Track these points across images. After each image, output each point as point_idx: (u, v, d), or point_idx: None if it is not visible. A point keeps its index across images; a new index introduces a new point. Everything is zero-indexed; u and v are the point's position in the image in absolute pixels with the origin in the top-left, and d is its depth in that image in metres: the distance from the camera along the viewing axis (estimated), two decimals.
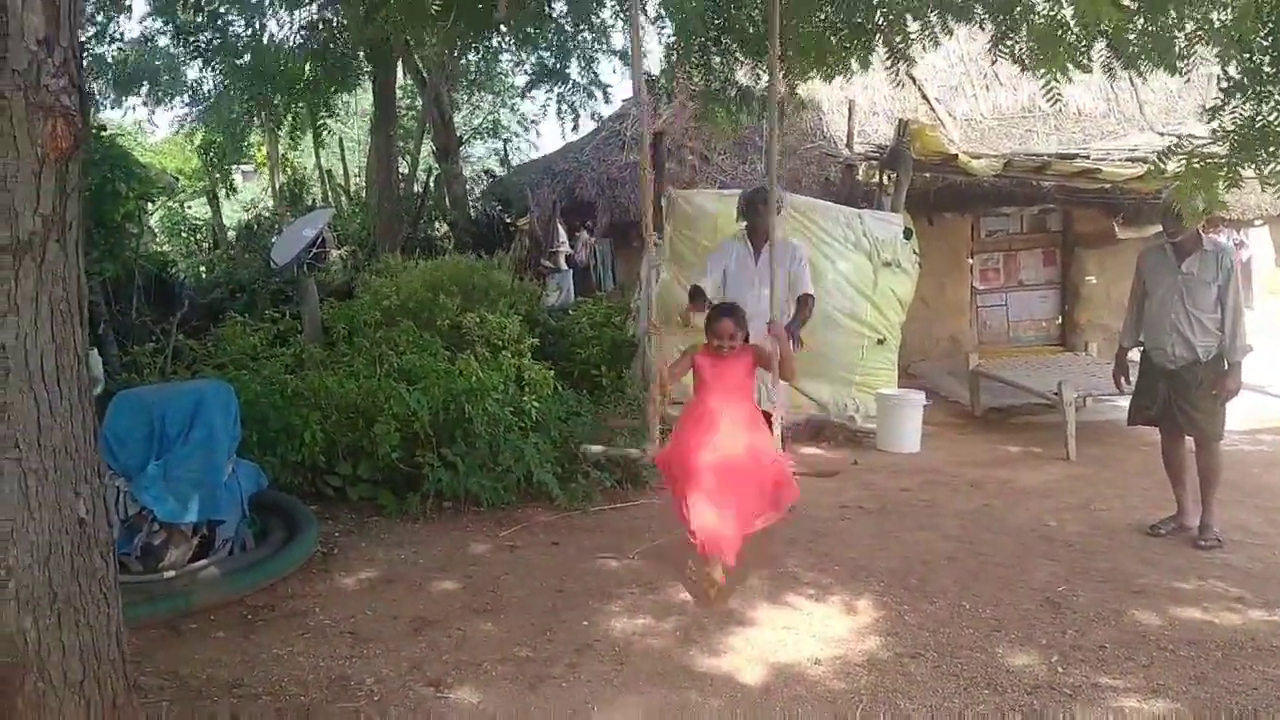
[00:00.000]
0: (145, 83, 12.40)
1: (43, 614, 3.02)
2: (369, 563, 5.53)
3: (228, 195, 18.39)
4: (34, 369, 2.95)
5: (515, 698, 3.90)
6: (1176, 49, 5.26)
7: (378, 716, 3.73)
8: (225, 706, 3.79)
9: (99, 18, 10.67)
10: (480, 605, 4.87)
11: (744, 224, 6.46)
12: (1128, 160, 9.67)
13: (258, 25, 10.56)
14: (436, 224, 16.38)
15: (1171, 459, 6.01)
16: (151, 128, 16.44)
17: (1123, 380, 6.27)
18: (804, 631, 4.50)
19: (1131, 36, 5.32)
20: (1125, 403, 7.49)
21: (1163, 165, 4.89)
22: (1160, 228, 6.16)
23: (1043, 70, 5.53)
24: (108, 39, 11.28)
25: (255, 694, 3.91)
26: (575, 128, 13.85)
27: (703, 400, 5.24)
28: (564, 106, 13.51)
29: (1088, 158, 10.15)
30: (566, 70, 12.05)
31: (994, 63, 6.46)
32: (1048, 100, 5.82)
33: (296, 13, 10.43)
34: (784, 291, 6.18)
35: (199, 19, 9.55)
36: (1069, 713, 3.71)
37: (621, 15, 7.88)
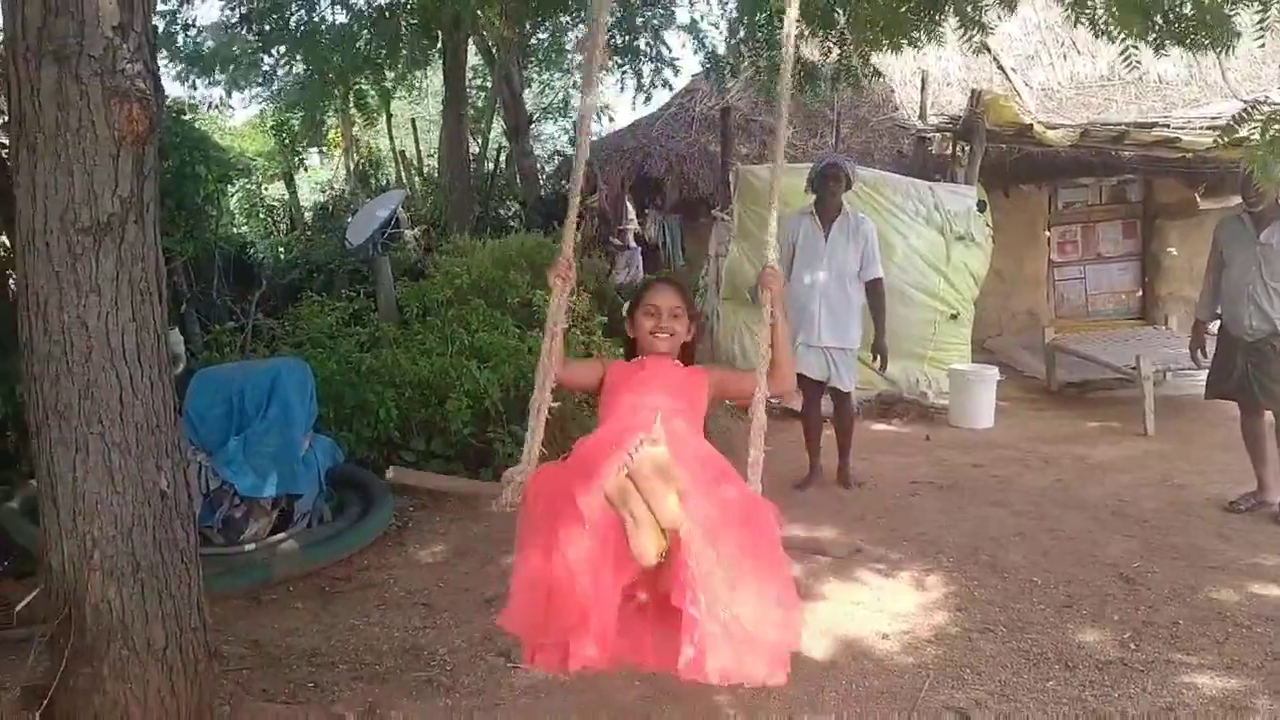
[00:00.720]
0: (221, 67, 12.63)
1: (126, 583, 3.12)
2: (442, 536, 5.64)
3: (302, 172, 18.69)
4: (115, 347, 3.04)
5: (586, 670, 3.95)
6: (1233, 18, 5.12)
7: (451, 685, 3.81)
8: (303, 674, 3.90)
9: (172, 2, 10.88)
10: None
11: (813, 198, 6.39)
12: (1209, 129, 9.41)
13: (325, 5, 10.70)
14: (507, 203, 16.49)
15: (1250, 433, 5.86)
16: (229, 111, 16.76)
17: (1199, 354, 6.12)
18: (871, 606, 4.49)
19: (1188, 9, 5.16)
20: (1205, 377, 7.34)
21: (1236, 130, 4.76)
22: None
23: (1119, 37, 5.41)
24: (181, 24, 11.50)
25: (332, 662, 4.02)
26: (648, 100, 13.81)
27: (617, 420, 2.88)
28: (632, 82, 13.48)
29: (1167, 126, 9.89)
30: (635, 45, 12.01)
31: (1075, 25, 6.29)
32: (1127, 67, 5.70)
33: None
34: (854, 267, 6.16)
35: (265, 4, 9.70)
36: (1141, 688, 3.67)
37: None
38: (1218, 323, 5.99)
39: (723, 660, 2.30)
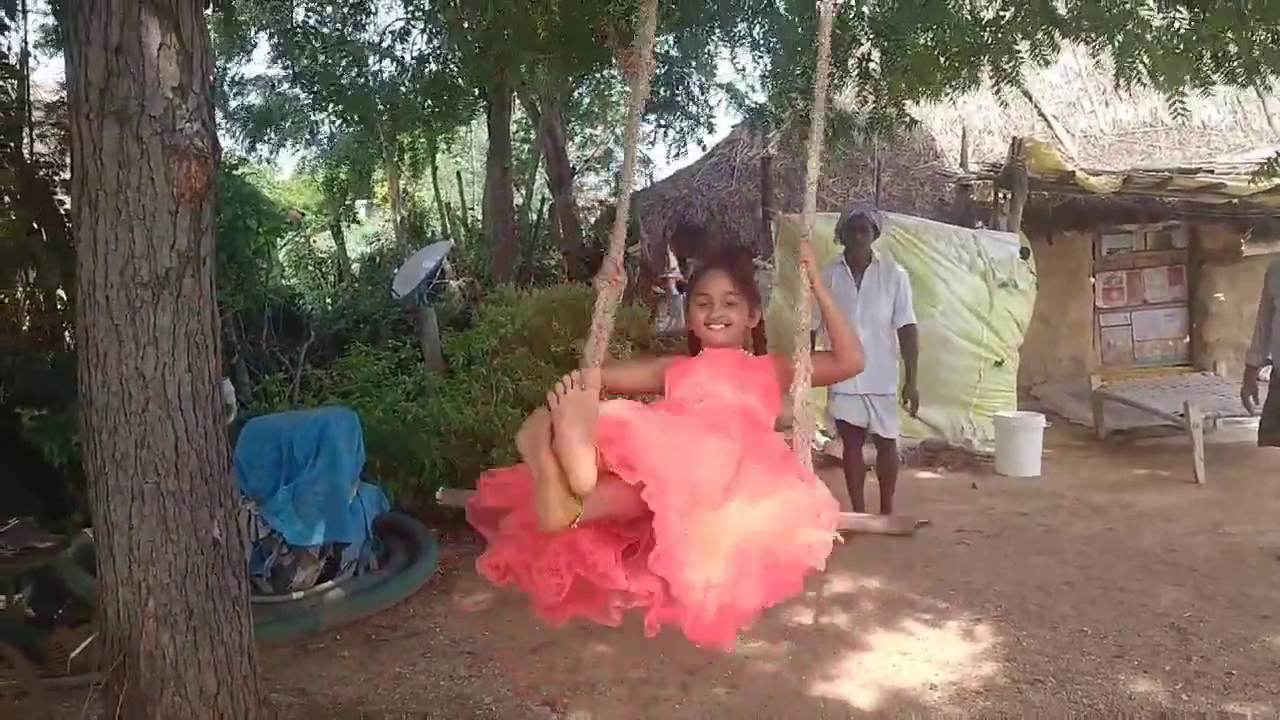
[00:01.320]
0: (272, 125, 12.94)
1: (180, 631, 3.18)
2: (487, 585, 5.63)
3: (349, 226, 18.97)
4: (171, 398, 3.12)
5: (629, 718, 3.95)
6: None
7: None
8: None
9: (226, 63, 11.17)
10: (594, 628, 4.89)
11: (842, 248, 6.44)
12: (1253, 174, 9.35)
13: (372, 64, 10.94)
14: (550, 253, 16.65)
15: None
16: (277, 167, 17.18)
17: (1251, 400, 6.01)
18: (919, 656, 4.45)
19: (1234, 49, 5.16)
20: (1257, 424, 7.23)
21: (1274, 171, 4.74)
22: None
23: (1163, 88, 5.41)
24: (231, 84, 11.82)
25: (379, 711, 4.04)
26: (681, 154, 14.03)
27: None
28: (672, 135, 13.65)
29: (1211, 172, 9.85)
30: (676, 99, 12.17)
31: (1117, 86, 6.29)
32: (1172, 114, 5.70)
33: (411, 50, 10.77)
34: (886, 314, 6.19)
35: (315, 64, 9.93)
36: None
37: (727, 45, 7.95)
38: (1269, 368, 5.90)
39: (684, 619, 2.23)
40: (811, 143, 2.91)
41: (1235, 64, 5.39)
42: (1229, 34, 4.80)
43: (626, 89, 15.25)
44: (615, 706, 4.06)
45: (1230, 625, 4.67)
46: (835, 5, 2.94)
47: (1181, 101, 5.46)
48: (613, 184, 20.39)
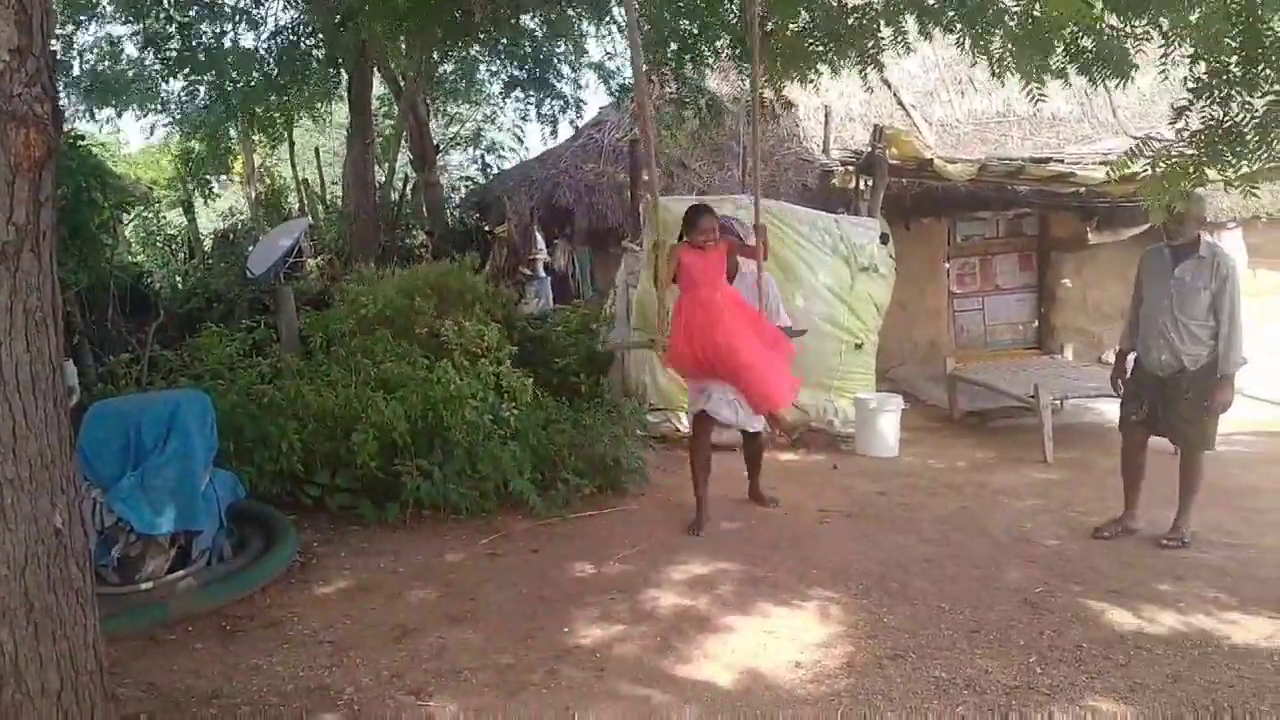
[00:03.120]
0: (116, 93, 12.33)
1: (19, 625, 2.99)
2: (348, 572, 5.51)
3: (206, 202, 18.30)
4: (9, 379, 2.92)
5: (495, 705, 3.90)
6: (1133, 54, 5.34)
7: None
8: (204, 717, 3.77)
9: (67, 27, 10.59)
10: (460, 613, 4.87)
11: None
12: (1101, 164, 9.75)
13: (227, 31, 10.52)
14: (414, 232, 16.35)
15: (1131, 461, 5.99)
16: (124, 140, 16.43)
17: (1119, 383, 6.17)
18: (783, 636, 4.51)
19: (1088, 43, 5.37)
20: (1103, 406, 7.52)
21: (1128, 164, 4.93)
22: (1133, 231, 6.17)
23: (1018, 75, 5.58)
24: (75, 50, 11.21)
25: (235, 704, 3.89)
26: (554, 133, 13.89)
27: (693, 294, 5.76)
28: (541, 114, 13.54)
29: (1062, 161, 10.23)
30: (546, 79, 12.05)
31: (974, 65, 6.48)
32: (1029, 101, 5.87)
33: (268, 18, 10.40)
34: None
35: (168, 28, 9.49)
36: (1047, 713, 3.74)
37: (594, 25, 7.89)
38: (1134, 354, 6.04)
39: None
40: (754, 124, 2.87)
41: (1085, 57, 5.61)
42: (1074, 25, 4.97)
43: (494, 68, 15.09)
44: (482, 693, 3.99)
45: (1080, 600, 4.87)
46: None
47: (1037, 89, 5.64)
48: (480, 163, 20.15)
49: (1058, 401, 8.36)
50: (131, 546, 5.03)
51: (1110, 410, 7.63)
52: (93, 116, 13.05)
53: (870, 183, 9.82)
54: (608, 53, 13.65)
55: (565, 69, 12.63)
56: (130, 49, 11.50)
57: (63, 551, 3.10)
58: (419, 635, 4.58)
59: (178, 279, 14.32)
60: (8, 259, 2.89)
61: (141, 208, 14.95)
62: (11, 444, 2.95)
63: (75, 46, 11.13)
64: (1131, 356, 6.05)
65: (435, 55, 13.03)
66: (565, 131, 14.08)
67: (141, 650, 4.43)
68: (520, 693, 3.99)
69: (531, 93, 13.54)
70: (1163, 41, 4.97)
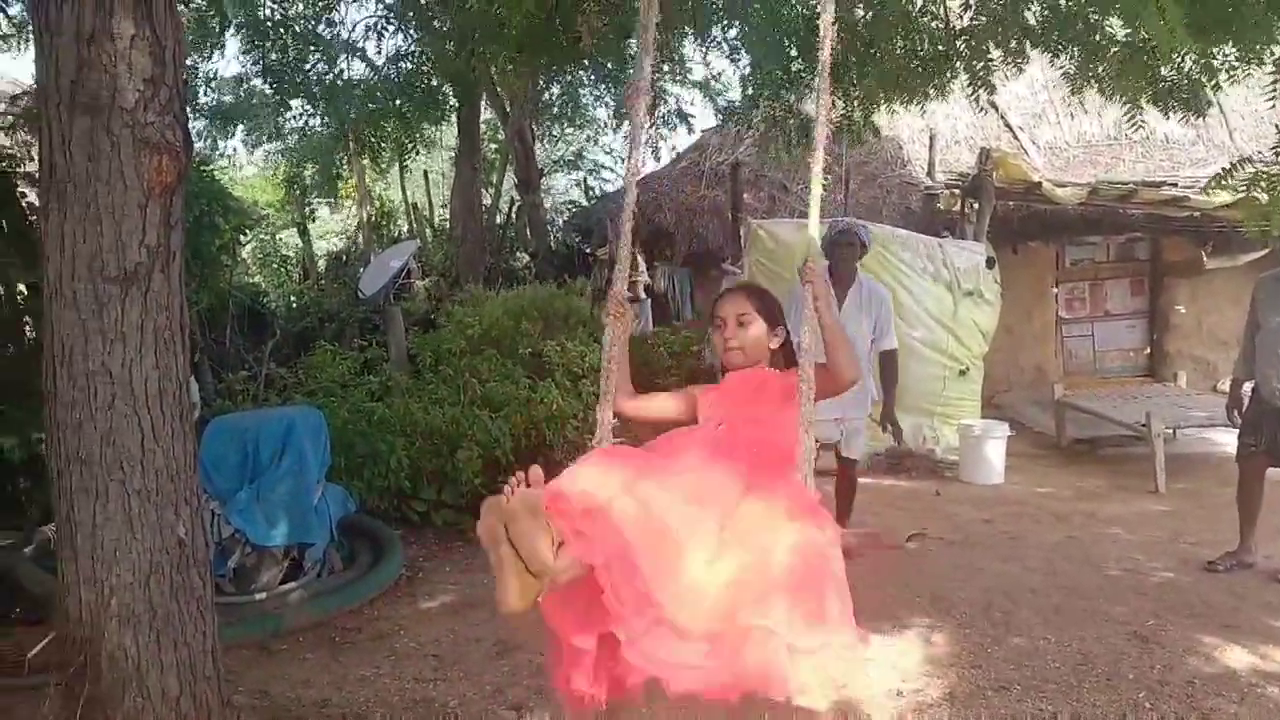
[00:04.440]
0: (241, 121, 12.81)
1: (143, 631, 3.13)
2: (452, 587, 5.62)
3: (314, 222, 18.81)
4: (139, 394, 3.08)
5: None
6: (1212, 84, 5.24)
7: None
8: None
9: (193, 56, 11.04)
10: None
11: (825, 263, 6.26)
12: (1213, 188, 9.49)
13: (343, 61, 10.85)
14: (518, 254, 16.59)
15: (1249, 492, 5.79)
16: (241, 163, 16.96)
17: (1235, 414, 6.00)
18: (883, 663, 4.46)
19: (1166, 71, 5.26)
20: (1217, 436, 7.29)
21: (1225, 184, 4.79)
22: (1251, 256, 5.98)
23: (1122, 98, 5.50)
24: (202, 79, 11.67)
25: (343, 714, 4.00)
26: (657, 158, 13.95)
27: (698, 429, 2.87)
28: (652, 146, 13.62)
29: (1175, 185, 9.97)
30: (653, 102, 12.13)
31: (1074, 92, 6.38)
32: (1130, 126, 5.76)
33: (383, 47, 10.71)
34: (867, 336, 5.94)
35: (285, 58, 9.83)
36: None
37: (700, 48, 7.94)
38: (1252, 383, 5.83)
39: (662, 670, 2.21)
40: (814, 154, 2.81)
41: (1183, 82, 5.50)
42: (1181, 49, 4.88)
43: (597, 92, 15.25)
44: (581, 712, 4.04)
45: (1192, 635, 4.72)
46: (831, 23, 2.85)
47: (1139, 114, 5.54)
48: (582, 185, 20.35)
49: (1170, 430, 8.14)
50: (247, 558, 5.22)
51: (1224, 440, 7.40)
52: (216, 145, 13.57)
53: (976, 206, 9.70)
54: (711, 76, 13.65)
55: (670, 89, 12.68)
56: (250, 81, 11.92)
57: (186, 561, 3.24)
58: (520, 653, 4.64)
59: (292, 299, 14.77)
60: (139, 280, 3.05)
61: (258, 230, 15.45)
62: (140, 456, 3.10)
63: (201, 74, 11.58)
64: (1248, 386, 5.87)
65: (542, 80, 13.23)
66: (666, 156, 14.15)
67: (255, 660, 4.58)
68: (620, 711, 4.02)
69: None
70: (1273, 67, 4.84)
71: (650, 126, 12.13)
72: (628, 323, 2.93)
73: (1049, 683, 4.23)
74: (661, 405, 3.05)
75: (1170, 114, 5.82)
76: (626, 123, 3.53)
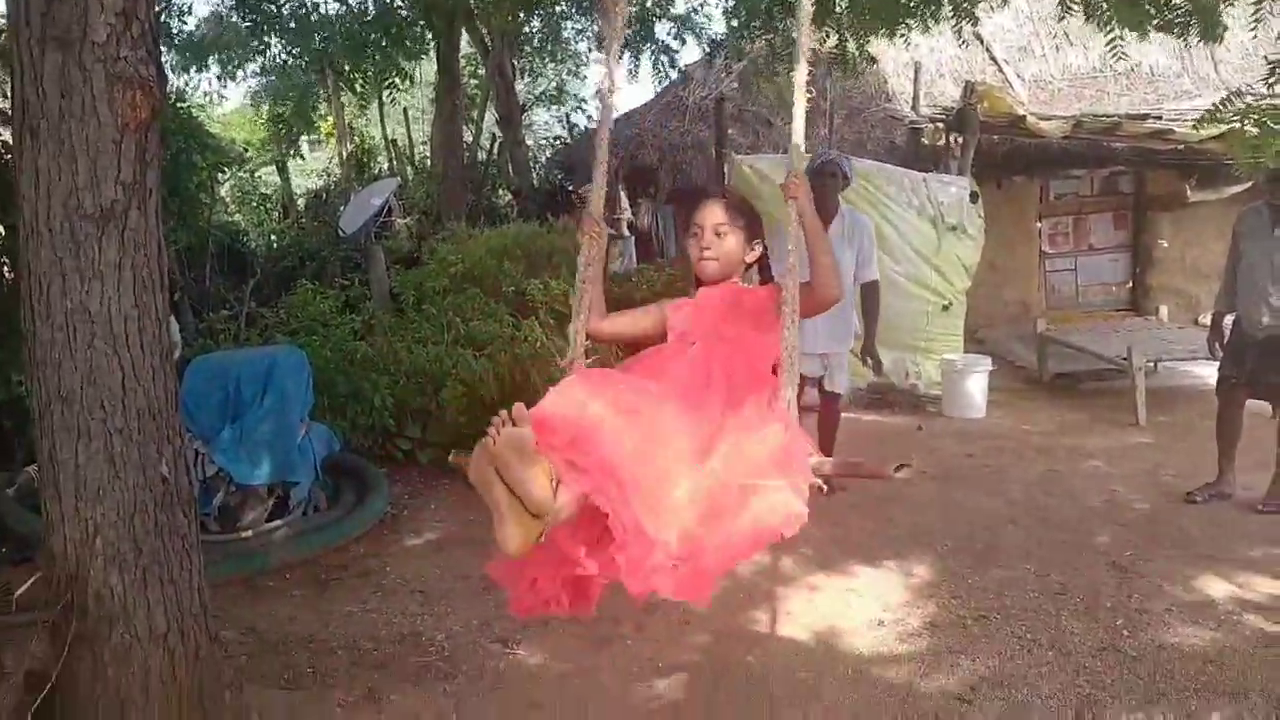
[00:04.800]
0: (215, 55, 12.60)
1: (128, 569, 3.13)
2: (438, 524, 5.65)
3: (294, 158, 18.62)
4: (118, 333, 3.04)
5: (583, 655, 3.99)
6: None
7: (449, 671, 3.84)
8: (302, 659, 3.92)
9: None
10: None
11: None
12: (1197, 121, 9.45)
13: None
14: (500, 192, 16.47)
15: (1228, 424, 5.84)
16: (220, 100, 16.69)
17: (1217, 346, 6.03)
18: (866, 595, 4.52)
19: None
20: (1198, 369, 7.32)
21: (1215, 117, 4.77)
22: (1235, 189, 5.96)
23: (1111, 28, 5.44)
24: (177, 12, 11.45)
25: (330, 649, 4.04)
26: (636, 77, 13.76)
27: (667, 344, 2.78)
28: (635, 67, 13.47)
29: (1160, 118, 9.94)
30: (633, 32, 11.96)
31: (1061, 19, 6.31)
32: (1114, 58, 5.72)
33: None
34: (850, 268, 5.88)
35: None
36: (1135, 674, 3.71)
37: None
38: (1234, 315, 5.86)
39: (651, 584, 2.10)
40: (797, 69, 2.75)
41: (1179, 14, 5.45)
42: None
43: (579, 25, 15.05)
44: (569, 643, 4.09)
45: (1170, 565, 4.80)
46: None
47: (1122, 46, 5.49)
48: (564, 121, 20.16)
49: (1151, 364, 8.19)
50: (231, 496, 5.23)
51: (1206, 373, 7.44)
52: (190, 80, 13.38)
53: (960, 140, 9.65)
54: (693, 8, 13.46)
55: (655, 23, 12.50)
56: (228, 13, 11.71)
57: (169, 499, 3.23)
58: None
59: (273, 238, 14.65)
60: (116, 217, 3.00)
61: (237, 168, 15.28)
62: (121, 396, 3.08)
63: (174, 7, 11.36)
64: (1229, 318, 5.90)
65: (522, 13, 13.04)
66: (649, 91, 14.02)
67: (241, 597, 4.61)
68: (607, 645, 4.07)
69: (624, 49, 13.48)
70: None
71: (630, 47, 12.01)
72: (603, 242, 2.84)
73: (1028, 611, 4.30)
74: (632, 321, 2.92)
75: (1186, 40, 5.72)
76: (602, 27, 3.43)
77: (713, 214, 2.77)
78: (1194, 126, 5.71)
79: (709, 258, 2.75)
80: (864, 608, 4.38)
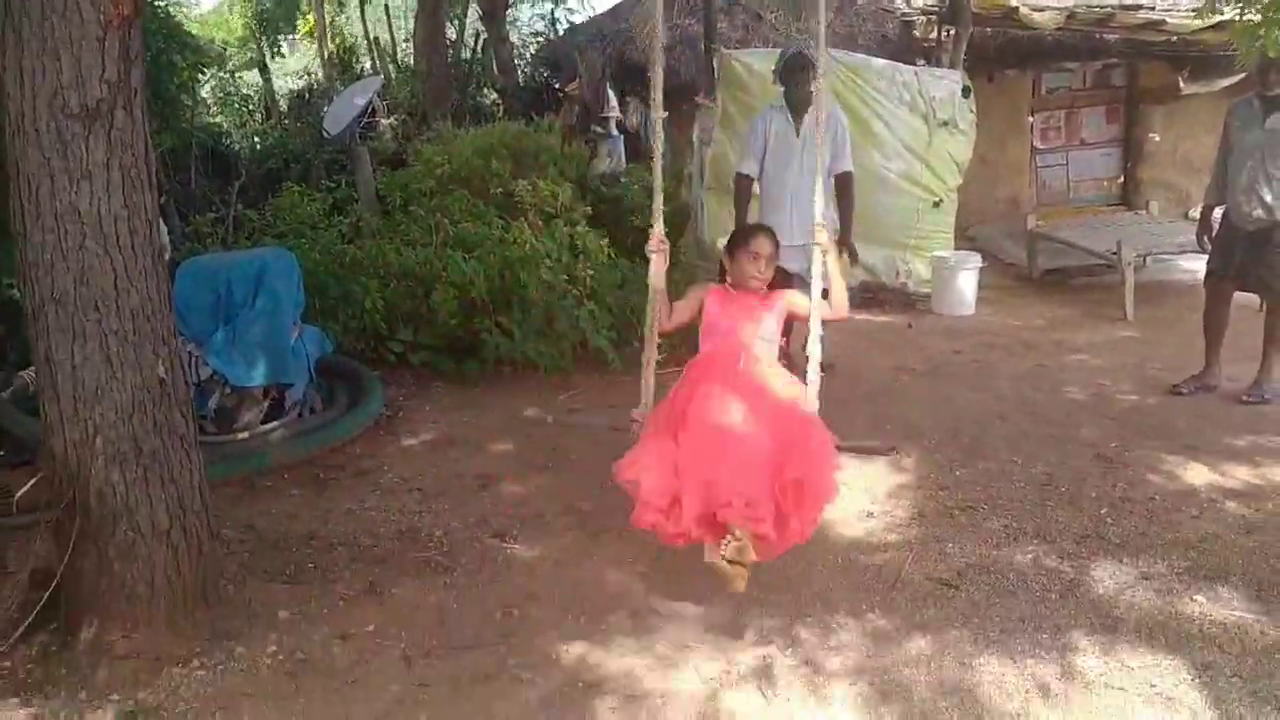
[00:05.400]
0: None
1: (129, 467, 3.18)
2: (432, 425, 5.70)
3: (276, 59, 18.29)
4: (109, 234, 3.04)
5: (578, 547, 4.06)
6: None
7: (448, 565, 3.91)
8: (302, 556, 3.99)
9: None
10: (541, 463, 5.03)
11: (782, 89, 6.09)
12: (1193, 11, 9.32)
13: None
14: (485, 91, 16.22)
15: (1214, 316, 5.89)
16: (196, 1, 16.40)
17: (1206, 239, 6.04)
18: (856, 487, 4.59)
19: None
20: (1188, 263, 7.33)
21: (1217, 9, 4.72)
22: (1227, 82, 5.91)
23: None
24: None
25: (331, 545, 4.11)
26: None
27: (712, 344, 3.84)
28: None
29: (1153, 9, 9.80)
30: None
31: None
32: None
33: None
34: (826, 160, 5.87)
35: None
36: (1118, 560, 3.80)
37: None
38: (1224, 208, 5.86)
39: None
40: None
41: None
42: None
43: None
44: (564, 535, 4.16)
45: (1154, 455, 4.88)
46: None
47: None
48: (548, 18, 19.74)
49: (1141, 258, 8.21)
50: (227, 398, 5.26)
51: (1194, 267, 7.47)
52: None
53: (952, 33, 9.51)
54: None
55: None
56: None
57: (167, 399, 3.27)
58: (502, 484, 4.76)
59: (256, 140, 14.46)
60: (102, 116, 2.98)
61: (217, 68, 15.01)
62: (114, 297, 3.09)
63: None
64: (1218, 211, 5.90)
65: None
66: None
67: (241, 497, 4.67)
68: (600, 536, 4.15)
69: None
70: None
71: None
72: (666, 256, 3.81)
73: (1014, 502, 4.38)
74: (683, 313, 3.91)
75: None
76: None
77: (769, 247, 3.85)
78: (1195, 14, 5.62)
79: (760, 281, 3.83)
80: (853, 500, 4.45)
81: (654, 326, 3.79)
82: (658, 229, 3.74)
